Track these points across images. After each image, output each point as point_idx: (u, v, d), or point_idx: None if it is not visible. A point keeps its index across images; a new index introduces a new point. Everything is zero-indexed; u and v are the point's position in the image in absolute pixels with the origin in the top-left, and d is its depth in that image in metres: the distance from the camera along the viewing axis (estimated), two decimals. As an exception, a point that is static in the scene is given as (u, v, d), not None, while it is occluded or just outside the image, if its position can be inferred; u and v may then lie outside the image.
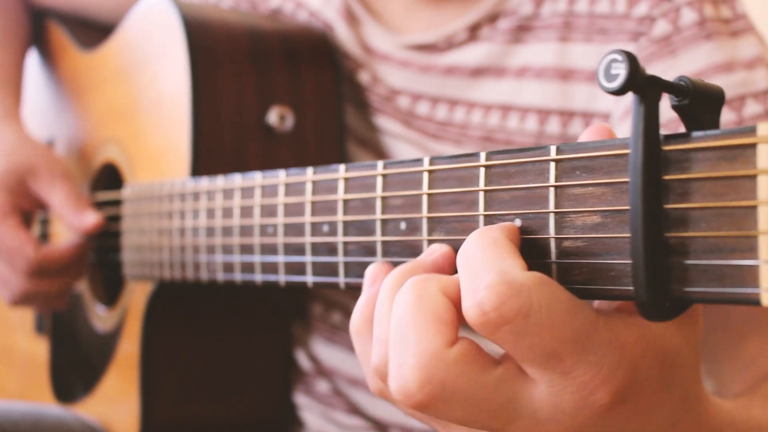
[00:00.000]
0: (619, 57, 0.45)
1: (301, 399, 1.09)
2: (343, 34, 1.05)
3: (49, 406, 1.20)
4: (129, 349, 1.05)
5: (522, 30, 0.94)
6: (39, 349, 1.31)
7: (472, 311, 0.46)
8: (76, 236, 1.11)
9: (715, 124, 0.47)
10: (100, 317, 1.15)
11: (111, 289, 1.16)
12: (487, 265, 0.47)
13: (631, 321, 0.49)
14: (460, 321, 0.50)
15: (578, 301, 0.48)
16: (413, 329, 0.49)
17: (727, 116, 0.83)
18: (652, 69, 0.86)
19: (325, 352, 1.06)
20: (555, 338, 0.46)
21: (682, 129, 0.48)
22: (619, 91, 0.45)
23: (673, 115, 0.48)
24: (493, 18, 0.96)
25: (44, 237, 1.31)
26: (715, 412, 0.58)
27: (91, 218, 1.07)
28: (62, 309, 1.19)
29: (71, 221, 1.08)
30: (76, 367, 1.22)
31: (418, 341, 0.49)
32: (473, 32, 0.97)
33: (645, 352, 0.48)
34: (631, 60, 0.44)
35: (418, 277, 0.52)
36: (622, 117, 0.87)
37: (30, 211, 1.14)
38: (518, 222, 0.53)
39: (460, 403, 0.49)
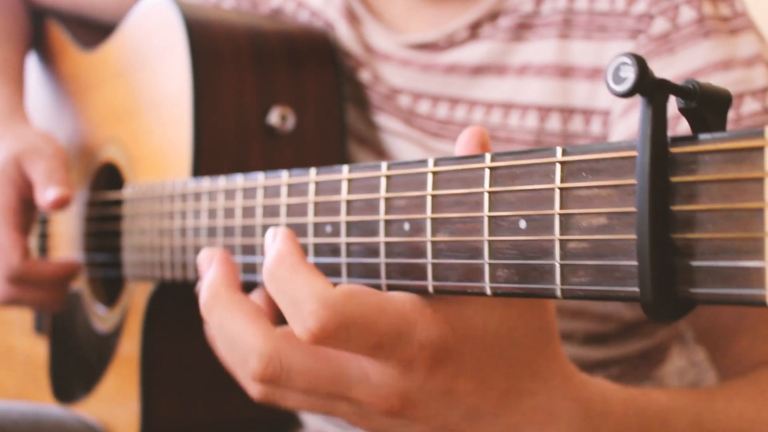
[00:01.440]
0: (628, 60, 0.45)
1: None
2: (343, 34, 1.05)
3: (49, 406, 1.20)
4: (129, 349, 1.05)
5: (523, 28, 0.94)
6: (38, 349, 1.31)
7: (304, 335, 0.57)
8: (71, 248, 1.10)
9: (721, 126, 0.47)
10: (100, 317, 1.14)
11: (111, 289, 1.16)
12: (302, 294, 0.57)
13: (453, 300, 0.60)
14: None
15: (386, 299, 0.58)
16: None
17: None
18: (651, 67, 0.86)
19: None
20: (373, 334, 0.57)
21: (681, 126, 0.48)
22: (628, 94, 0.45)
23: (674, 111, 0.48)
24: (493, 16, 0.96)
25: (43, 237, 1.30)
26: (585, 388, 0.65)
27: (51, 192, 1.05)
28: (57, 310, 1.19)
29: (37, 198, 1.07)
30: (75, 367, 1.22)
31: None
32: (474, 30, 0.97)
33: (455, 326, 0.59)
34: (640, 63, 0.44)
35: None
36: (621, 114, 0.87)
37: (31, 202, 1.13)
38: (522, 224, 0.53)
39: (299, 373, 0.61)
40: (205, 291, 0.67)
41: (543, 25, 0.93)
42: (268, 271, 0.60)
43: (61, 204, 1.05)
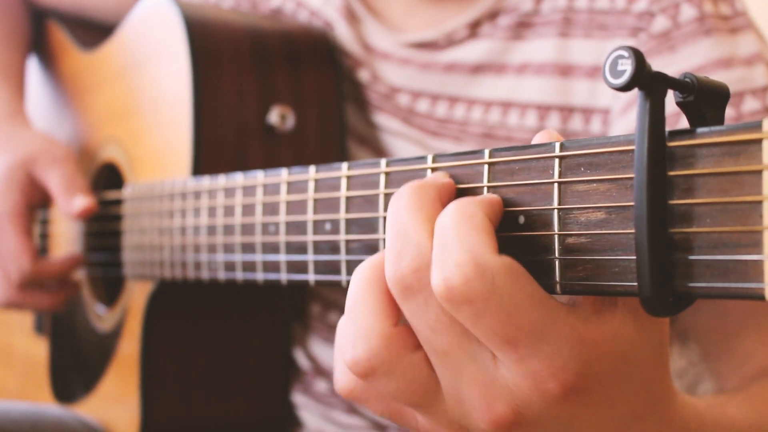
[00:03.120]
0: (625, 53, 0.45)
1: (299, 398, 1.09)
2: (343, 33, 1.05)
3: (49, 406, 1.20)
4: (129, 348, 1.05)
5: (522, 26, 0.94)
6: (39, 349, 1.31)
7: (439, 284, 0.49)
8: (71, 248, 1.10)
9: (719, 120, 0.47)
10: (100, 317, 1.14)
11: (111, 289, 1.16)
12: (458, 242, 0.49)
13: (591, 318, 0.50)
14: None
15: (542, 293, 0.49)
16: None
17: (726, 112, 0.83)
18: (652, 65, 0.86)
19: (324, 351, 1.06)
20: (512, 324, 0.48)
21: (680, 124, 0.48)
22: (625, 87, 0.45)
23: (674, 108, 0.48)
24: (493, 15, 0.96)
25: (44, 237, 1.30)
26: (684, 410, 0.59)
27: (80, 202, 1.06)
28: (58, 311, 1.19)
29: (61, 206, 1.07)
30: (75, 367, 1.22)
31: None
32: (473, 29, 0.97)
33: (601, 349, 0.50)
34: (638, 56, 0.44)
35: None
36: (621, 112, 0.87)
37: (38, 204, 1.13)
38: (521, 219, 0.53)
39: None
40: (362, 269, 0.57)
41: (543, 23, 0.93)
42: (444, 212, 0.51)
43: (89, 213, 1.06)
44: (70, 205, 1.06)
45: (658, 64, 0.86)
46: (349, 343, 0.54)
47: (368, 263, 0.56)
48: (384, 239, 0.62)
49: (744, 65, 0.85)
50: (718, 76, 0.84)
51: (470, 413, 0.52)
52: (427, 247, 0.51)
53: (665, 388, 0.56)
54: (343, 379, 0.57)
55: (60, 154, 1.11)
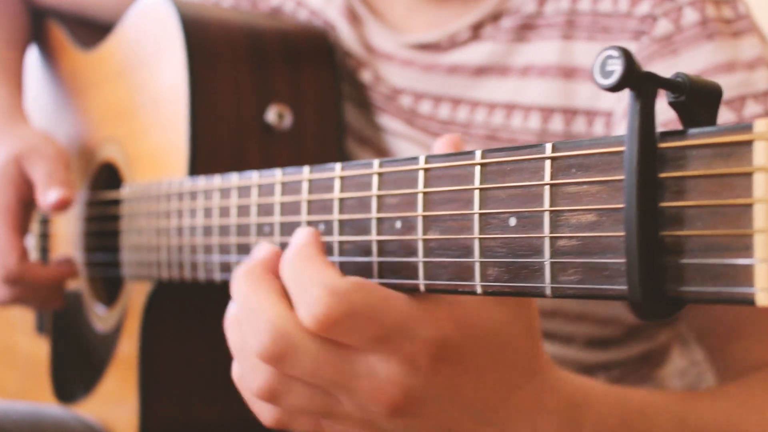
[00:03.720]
0: (614, 53, 0.44)
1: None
2: (345, 34, 1.04)
3: (50, 406, 1.20)
4: (128, 348, 1.04)
5: (525, 28, 0.93)
6: (39, 349, 1.31)
7: (309, 320, 0.57)
8: (71, 248, 1.10)
9: (712, 120, 0.46)
10: (100, 317, 1.14)
11: (111, 289, 1.15)
12: (308, 281, 0.58)
13: (443, 300, 0.60)
14: None
15: (393, 294, 0.59)
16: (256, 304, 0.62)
17: (727, 117, 0.83)
18: (654, 68, 0.85)
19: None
20: (378, 327, 0.57)
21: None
22: (615, 88, 0.44)
23: (673, 115, 0.48)
24: (496, 17, 0.95)
25: (43, 237, 1.30)
26: (564, 384, 0.66)
27: (53, 194, 1.04)
28: (56, 308, 1.19)
29: (38, 200, 1.06)
30: (76, 366, 1.21)
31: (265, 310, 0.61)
32: (476, 31, 0.96)
33: (460, 324, 0.60)
34: (627, 56, 0.44)
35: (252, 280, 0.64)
36: (623, 115, 0.87)
37: (31, 203, 1.13)
38: (513, 221, 0.53)
39: (305, 354, 0.60)
40: (244, 265, 0.66)
41: (546, 25, 0.92)
42: (285, 259, 0.61)
43: (63, 205, 1.05)
44: (44, 197, 1.05)
45: (660, 68, 0.85)
46: (252, 337, 0.61)
47: (245, 266, 0.65)
48: (377, 240, 0.62)
49: (746, 69, 0.85)
50: (720, 81, 0.83)
51: (368, 407, 0.60)
52: (278, 316, 0.60)
53: (539, 362, 0.64)
54: (255, 380, 0.63)
55: (48, 150, 1.09)
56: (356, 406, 0.61)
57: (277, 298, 0.61)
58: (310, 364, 0.59)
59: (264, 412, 0.66)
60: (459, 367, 0.60)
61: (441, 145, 0.67)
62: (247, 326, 0.62)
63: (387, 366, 0.59)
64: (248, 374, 0.64)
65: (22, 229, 1.11)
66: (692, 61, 0.85)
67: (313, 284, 0.58)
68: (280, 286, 0.62)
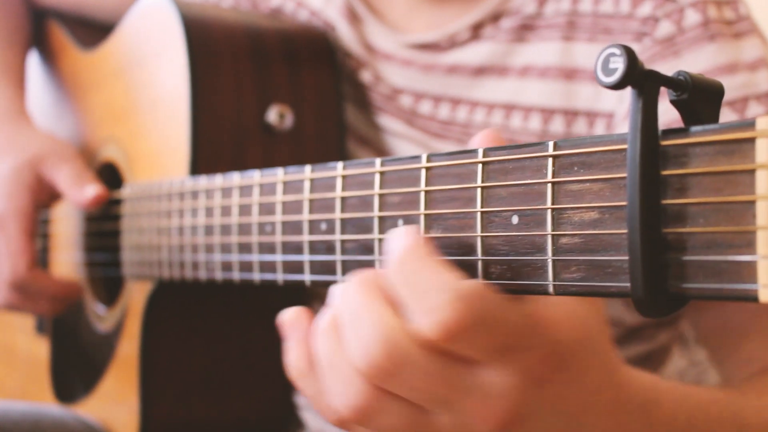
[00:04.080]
0: (617, 51, 0.44)
1: (301, 399, 1.08)
2: (345, 34, 1.04)
3: (50, 406, 1.20)
4: (129, 348, 1.04)
5: (525, 29, 0.93)
6: (40, 349, 1.31)
7: (433, 329, 0.51)
8: (71, 248, 1.10)
9: (714, 118, 0.47)
10: (100, 317, 1.14)
11: (111, 289, 1.15)
12: (432, 285, 0.52)
13: (545, 303, 0.55)
14: None
15: (511, 299, 0.53)
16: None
17: (730, 118, 0.83)
18: (656, 69, 0.86)
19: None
20: (502, 334, 0.52)
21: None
22: (618, 86, 0.44)
23: (676, 116, 0.48)
24: (496, 17, 0.95)
25: (44, 237, 1.30)
26: (638, 379, 0.63)
27: (91, 190, 1.06)
28: (56, 315, 1.19)
29: (73, 197, 1.07)
30: (76, 366, 1.21)
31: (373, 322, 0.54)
32: (476, 31, 0.96)
33: (565, 327, 0.55)
34: (630, 54, 0.44)
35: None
36: (625, 116, 0.87)
37: (43, 207, 1.13)
38: (515, 219, 0.53)
39: (414, 367, 0.53)
40: (359, 273, 0.58)
41: (546, 26, 0.92)
42: (395, 263, 0.54)
43: (101, 201, 1.06)
44: (82, 194, 1.06)
45: (662, 69, 0.84)
46: (358, 347, 0.54)
47: (360, 275, 0.57)
48: (379, 239, 0.62)
49: (748, 70, 0.85)
50: (722, 82, 0.84)
51: (471, 425, 0.55)
52: (392, 327, 0.53)
53: (614, 361, 0.60)
54: (346, 396, 0.56)
55: (68, 152, 1.11)
56: (455, 424, 0.56)
57: (391, 309, 0.54)
58: (419, 380, 0.54)
59: None
60: (567, 375, 0.56)
61: (480, 142, 0.59)
62: (352, 334, 0.55)
63: (502, 380, 0.54)
64: (337, 390, 0.57)
65: (35, 234, 1.11)
66: (694, 63, 0.85)
67: (436, 288, 0.51)
68: (390, 297, 0.55)
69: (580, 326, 0.56)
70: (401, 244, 0.54)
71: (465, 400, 0.54)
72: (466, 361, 0.53)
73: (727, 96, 0.83)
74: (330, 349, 0.57)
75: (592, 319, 0.57)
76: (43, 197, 1.12)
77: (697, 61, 0.85)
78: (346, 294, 0.56)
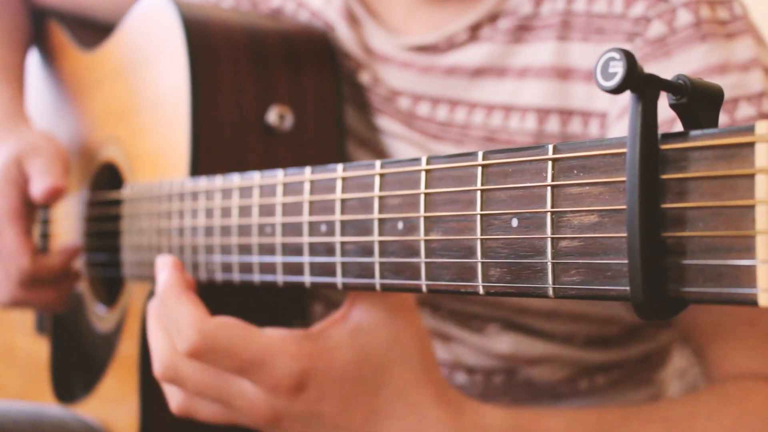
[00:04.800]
0: (616, 55, 0.44)
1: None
2: (344, 35, 1.04)
3: (49, 406, 1.20)
4: (128, 349, 1.04)
5: (522, 29, 0.93)
6: (40, 349, 1.31)
7: (186, 351, 0.71)
8: (70, 235, 1.10)
9: (713, 122, 0.47)
10: (100, 317, 1.14)
11: (111, 289, 1.16)
12: (182, 320, 0.72)
13: (309, 336, 0.72)
14: None
15: (256, 333, 0.71)
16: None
17: (720, 118, 0.83)
18: (647, 69, 0.85)
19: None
20: (237, 360, 0.70)
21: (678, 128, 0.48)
22: (617, 90, 0.44)
23: (670, 114, 0.48)
24: (493, 18, 0.95)
25: (44, 237, 1.30)
26: (465, 414, 0.74)
27: (44, 183, 1.06)
28: (61, 311, 1.19)
29: (31, 191, 1.08)
30: (76, 367, 1.22)
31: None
32: (474, 32, 0.96)
33: (317, 358, 0.71)
34: (629, 58, 0.44)
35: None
36: (618, 116, 0.87)
37: (35, 208, 1.13)
38: (515, 222, 0.53)
39: (189, 378, 0.76)
40: (155, 300, 0.78)
41: (542, 27, 0.92)
42: (158, 297, 0.75)
43: (54, 195, 1.06)
44: (36, 188, 1.06)
45: (653, 69, 0.85)
46: (153, 365, 0.78)
47: (150, 306, 0.81)
48: (379, 241, 0.62)
49: (739, 71, 0.85)
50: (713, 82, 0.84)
51: (248, 418, 0.75)
52: (163, 349, 0.77)
53: (425, 392, 0.73)
54: (170, 399, 0.80)
55: (48, 148, 1.10)
56: (241, 415, 0.75)
57: (165, 334, 0.77)
58: (197, 383, 0.74)
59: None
60: (319, 395, 0.71)
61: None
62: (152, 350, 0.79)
63: (253, 389, 0.72)
64: (167, 390, 0.80)
65: (29, 230, 1.11)
66: (685, 63, 0.85)
67: (185, 324, 0.71)
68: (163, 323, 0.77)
69: (349, 360, 0.71)
70: (162, 281, 0.75)
71: (236, 400, 0.73)
72: (225, 373, 0.72)
73: None
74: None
75: (383, 359, 0.72)
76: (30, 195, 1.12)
77: (688, 62, 0.85)
78: (150, 321, 0.79)
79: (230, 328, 0.71)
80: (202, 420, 0.78)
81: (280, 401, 0.71)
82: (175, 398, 0.79)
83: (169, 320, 0.73)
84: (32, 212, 1.13)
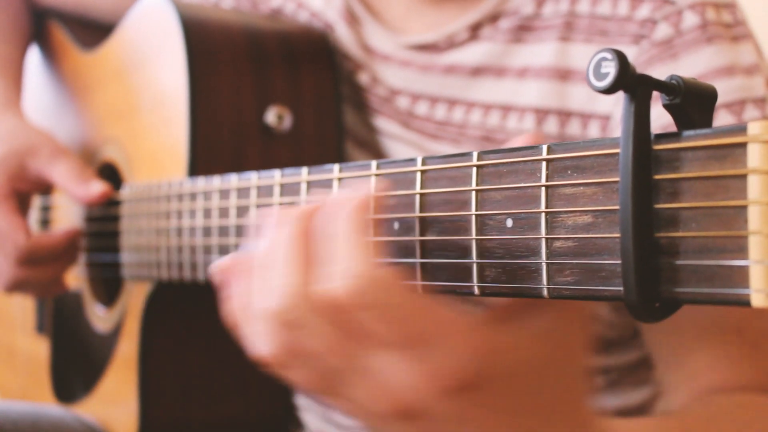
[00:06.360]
0: (608, 56, 0.44)
1: (301, 400, 1.09)
2: (343, 35, 1.04)
3: (49, 406, 1.20)
4: (128, 349, 1.05)
5: (523, 30, 0.93)
6: (40, 349, 1.31)
7: (326, 297, 0.52)
8: (71, 222, 1.10)
9: (707, 123, 0.47)
10: (100, 317, 1.14)
11: (111, 289, 1.16)
12: (344, 251, 0.52)
13: (486, 327, 0.54)
14: None
15: (429, 301, 0.52)
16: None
17: (728, 120, 0.83)
18: (654, 72, 0.85)
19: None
20: (404, 328, 0.52)
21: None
22: (609, 90, 0.44)
23: (668, 120, 0.48)
24: (494, 17, 0.95)
25: (44, 223, 1.31)
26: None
27: (96, 187, 1.05)
28: (62, 293, 1.18)
29: (76, 192, 1.06)
30: (76, 367, 1.22)
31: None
32: (474, 32, 0.96)
33: (492, 357, 0.53)
34: (621, 58, 0.44)
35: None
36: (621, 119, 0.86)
37: (28, 194, 1.13)
38: (509, 222, 0.53)
39: (319, 327, 0.54)
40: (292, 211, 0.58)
41: (543, 27, 0.92)
42: (323, 210, 0.54)
43: (106, 197, 1.05)
44: (87, 190, 1.05)
45: (660, 71, 0.85)
46: (260, 297, 0.55)
47: (294, 220, 0.55)
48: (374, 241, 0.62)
49: (745, 74, 0.85)
50: (719, 84, 0.83)
51: (368, 408, 0.56)
52: (299, 278, 0.53)
53: (578, 409, 0.58)
54: (261, 343, 0.58)
55: (60, 146, 1.10)
56: (353, 397, 0.57)
57: (304, 265, 0.54)
58: (316, 340, 0.54)
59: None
60: (484, 400, 0.55)
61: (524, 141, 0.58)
62: (259, 282, 0.56)
63: (399, 373, 0.53)
64: (251, 335, 0.59)
65: (21, 211, 1.11)
66: (692, 65, 0.85)
67: (344, 256, 0.51)
68: (312, 246, 0.55)
69: (516, 366, 0.55)
70: (343, 194, 0.55)
71: (362, 378, 0.54)
72: (366, 340, 0.53)
73: (725, 98, 0.83)
74: (242, 293, 0.58)
75: (547, 369, 0.56)
76: (23, 186, 1.11)
77: (695, 64, 0.85)
78: (272, 235, 0.56)
79: (404, 286, 0.52)
80: (287, 378, 0.60)
81: (432, 397, 0.53)
82: (271, 341, 0.57)
83: (324, 243, 0.53)
84: (25, 199, 1.13)
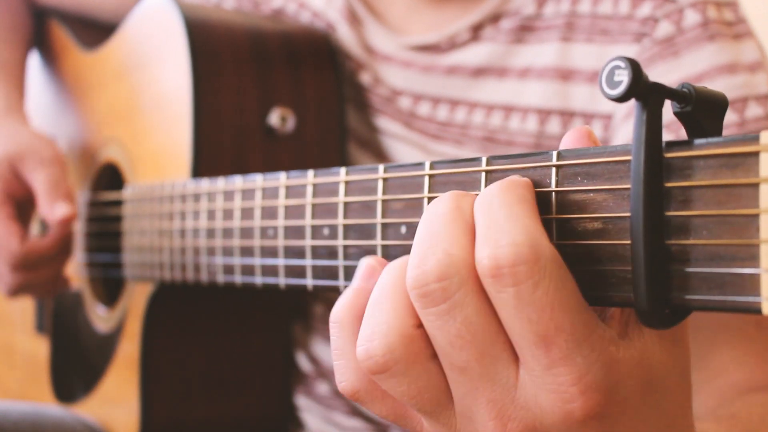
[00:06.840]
0: (621, 64, 0.44)
1: (301, 401, 1.09)
2: (345, 35, 1.04)
3: (49, 406, 1.20)
4: (129, 349, 1.05)
5: (524, 30, 0.94)
6: (40, 349, 1.31)
7: (487, 261, 0.45)
8: (74, 273, 1.09)
9: (717, 131, 0.47)
10: (101, 317, 1.14)
11: (112, 290, 1.16)
12: (512, 220, 0.46)
13: (625, 337, 0.48)
14: None
15: (584, 301, 0.47)
16: None
17: (729, 117, 0.83)
18: (655, 70, 0.86)
19: (326, 353, 1.06)
20: (552, 320, 0.45)
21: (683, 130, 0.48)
22: (622, 98, 0.44)
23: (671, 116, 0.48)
24: (495, 18, 0.95)
25: (45, 229, 1.30)
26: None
27: (61, 210, 1.04)
28: (65, 290, 1.19)
29: (42, 209, 1.07)
30: (76, 367, 1.22)
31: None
32: (476, 32, 0.96)
33: (632, 371, 0.47)
34: (634, 67, 0.44)
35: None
36: (624, 118, 0.87)
37: (24, 200, 1.13)
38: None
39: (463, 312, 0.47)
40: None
41: (545, 27, 0.93)
42: (490, 191, 0.49)
43: (68, 222, 1.05)
44: (52, 210, 1.05)
45: (661, 69, 0.85)
46: (364, 337, 0.50)
47: (400, 260, 0.52)
48: (381, 245, 0.62)
49: (747, 71, 0.85)
50: (722, 82, 0.84)
51: (479, 430, 0.50)
52: (458, 256, 0.47)
53: (687, 421, 0.52)
54: (348, 377, 0.54)
55: (48, 155, 1.09)
56: (467, 426, 0.50)
57: (407, 315, 0.50)
58: (457, 330, 0.48)
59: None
60: (607, 427, 0.48)
61: (572, 138, 0.52)
62: (366, 323, 0.52)
63: (529, 392, 0.47)
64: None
65: (14, 216, 1.10)
66: (694, 63, 0.85)
67: (515, 225, 0.46)
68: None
69: (654, 370, 0.49)
70: (516, 177, 0.50)
71: (481, 386, 0.48)
72: (505, 342, 0.47)
73: (727, 96, 0.83)
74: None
75: (670, 372, 0.50)
76: (19, 192, 1.11)
77: (697, 61, 0.85)
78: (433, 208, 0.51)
79: (567, 272, 0.46)
80: (381, 388, 0.53)
81: (557, 420, 0.47)
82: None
83: (488, 215, 0.47)
84: (23, 211, 1.12)
